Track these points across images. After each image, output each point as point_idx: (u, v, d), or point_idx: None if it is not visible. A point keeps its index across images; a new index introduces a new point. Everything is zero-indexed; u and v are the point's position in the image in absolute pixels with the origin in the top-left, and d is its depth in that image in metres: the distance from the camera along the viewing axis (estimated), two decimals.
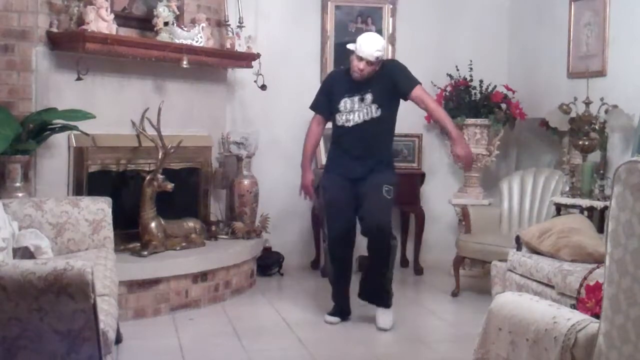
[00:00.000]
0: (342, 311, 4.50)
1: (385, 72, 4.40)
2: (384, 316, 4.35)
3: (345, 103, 4.41)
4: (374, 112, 4.38)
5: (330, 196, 4.46)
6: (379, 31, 6.11)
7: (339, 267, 4.50)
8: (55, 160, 4.46)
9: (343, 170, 4.43)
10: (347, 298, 4.51)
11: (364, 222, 4.30)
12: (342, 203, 4.38)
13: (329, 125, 4.64)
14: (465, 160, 4.52)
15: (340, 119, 4.43)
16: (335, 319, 4.45)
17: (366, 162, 4.40)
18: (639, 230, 1.84)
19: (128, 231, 4.73)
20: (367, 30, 6.14)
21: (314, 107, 4.64)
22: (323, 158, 5.93)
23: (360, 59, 4.29)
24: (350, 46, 4.42)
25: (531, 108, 5.79)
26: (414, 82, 4.39)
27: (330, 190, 4.49)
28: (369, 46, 4.29)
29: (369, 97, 4.37)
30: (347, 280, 4.52)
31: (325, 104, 4.54)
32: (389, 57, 6.14)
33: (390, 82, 4.38)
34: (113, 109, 4.71)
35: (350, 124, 4.41)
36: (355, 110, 4.39)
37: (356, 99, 4.39)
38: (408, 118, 5.09)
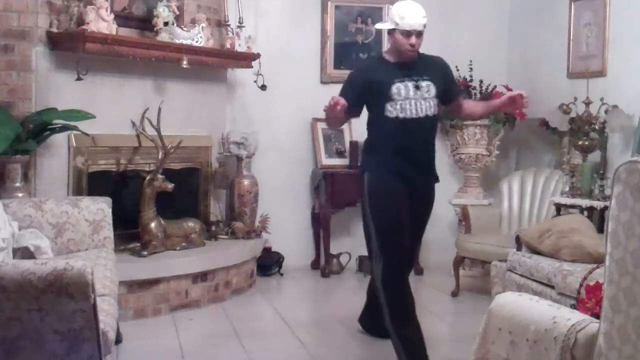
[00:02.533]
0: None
1: (440, 64, 3.84)
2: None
3: (398, 89, 3.61)
4: (434, 109, 3.67)
5: (386, 205, 3.60)
6: (379, 31, 6.12)
7: (402, 294, 3.63)
8: (55, 160, 4.46)
9: (398, 170, 3.62)
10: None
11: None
12: (402, 216, 3.59)
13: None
14: (519, 101, 3.82)
15: (394, 109, 3.60)
16: None
17: (423, 171, 3.74)
18: (639, 230, 1.84)
19: (128, 231, 4.73)
20: (366, 31, 6.16)
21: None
22: (323, 158, 5.94)
23: (408, 33, 3.59)
24: (384, 25, 3.82)
25: (531, 108, 5.75)
26: (461, 88, 3.98)
27: (383, 197, 3.62)
28: (414, 14, 3.62)
29: (426, 84, 3.65)
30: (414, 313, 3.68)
31: (357, 95, 3.67)
32: None
33: (447, 79, 3.84)
34: (113, 109, 4.71)
35: (408, 114, 3.61)
36: (411, 98, 3.61)
37: (410, 84, 3.63)
38: None
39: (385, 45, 6.11)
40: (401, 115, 3.62)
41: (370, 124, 3.80)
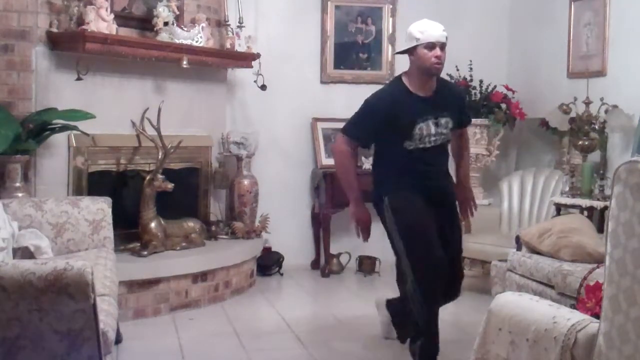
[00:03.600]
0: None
1: (456, 93, 3.90)
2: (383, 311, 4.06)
3: (421, 129, 3.57)
4: (448, 136, 3.72)
5: (412, 218, 3.53)
6: (379, 31, 6.14)
7: (433, 305, 3.57)
8: (55, 160, 4.46)
9: (419, 188, 3.59)
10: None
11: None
12: (429, 227, 3.54)
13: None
14: (467, 210, 3.93)
15: (411, 145, 3.59)
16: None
17: (449, 182, 3.81)
18: (639, 230, 1.84)
19: (128, 231, 4.73)
20: (367, 31, 6.16)
21: (353, 134, 3.64)
22: (323, 158, 5.94)
23: (433, 45, 3.52)
24: (404, 46, 3.68)
25: (531, 108, 5.78)
26: (470, 120, 4.03)
27: (408, 211, 3.55)
28: (435, 27, 3.58)
29: (445, 121, 3.64)
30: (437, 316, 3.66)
31: (372, 130, 3.62)
32: (388, 56, 6.17)
33: (461, 108, 3.84)
34: (113, 109, 4.71)
35: (425, 145, 3.61)
36: (431, 135, 3.60)
37: (431, 122, 3.60)
38: None
39: (388, 53, 6.14)
40: (420, 145, 3.61)
41: (381, 156, 3.75)
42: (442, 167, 3.76)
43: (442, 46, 3.56)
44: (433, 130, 3.60)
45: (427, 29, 3.57)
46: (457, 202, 3.86)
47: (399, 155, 3.62)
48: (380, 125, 3.58)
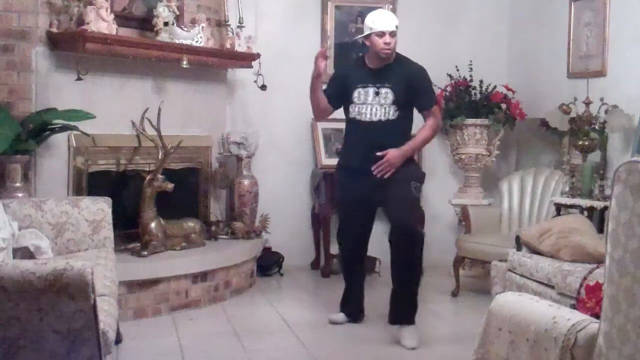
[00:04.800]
0: (354, 312, 4.43)
1: (408, 72, 4.17)
2: (410, 333, 4.03)
3: (359, 94, 4.16)
4: (391, 114, 4.12)
5: (344, 195, 4.34)
6: None
7: (350, 267, 4.49)
8: (55, 160, 4.46)
9: (360, 164, 4.15)
10: (360, 298, 4.46)
11: (392, 227, 4.08)
12: (356, 203, 4.21)
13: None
14: (383, 162, 4.10)
15: (353, 111, 4.19)
16: (341, 317, 4.41)
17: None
18: (639, 230, 1.84)
19: (128, 231, 4.73)
20: None
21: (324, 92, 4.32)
22: (323, 158, 5.94)
23: (383, 34, 4.06)
24: (360, 37, 4.23)
25: (531, 108, 5.78)
26: (433, 102, 4.24)
27: (344, 188, 4.35)
28: (384, 18, 4.13)
29: (384, 91, 4.11)
30: (362, 277, 4.49)
31: (333, 91, 4.30)
32: None
33: (412, 86, 4.15)
34: (113, 109, 4.71)
35: (363, 117, 4.15)
36: (368, 104, 4.14)
37: (370, 90, 4.14)
38: None
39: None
40: (357, 117, 4.17)
41: (345, 127, 4.38)
42: (383, 147, 4.09)
43: (392, 33, 4.09)
44: (370, 98, 4.13)
45: (378, 19, 4.12)
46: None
47: (349, 124, 4.28)
48: (337, 88, 4.28)
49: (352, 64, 4.42)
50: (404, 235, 4.01)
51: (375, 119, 4.14)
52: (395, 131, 4.16)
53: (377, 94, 4.14)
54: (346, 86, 4.23)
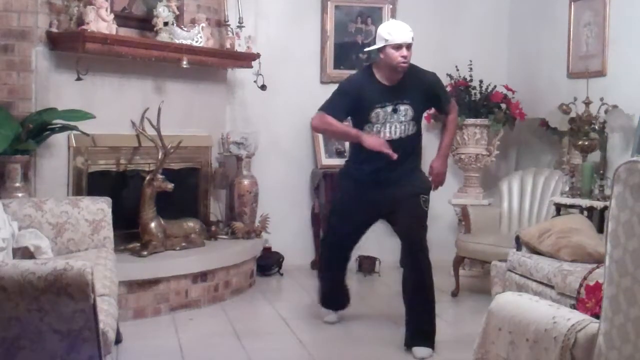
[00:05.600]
0: (337, 303, 4.44)
1: (425, 82, 4.05)
2: (422, 349, 3.86)
3: (377, 115, 3.96)
4: (411, 129, 4.01)
5: (346, 203, 4.19)
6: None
7: (335, 268, 4.43)
8: (55, 160, 4.46)
9: (373, 179, 4.02)
10: (341, 287, 4.45)
11: (405, 249, 4.01)
12: (359, 213, 4.11)
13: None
14: (436, 177, 4.16)
15: (370, 130, 3.99)
16: (333, 316, 4.42)
17: (399, 166, 3.98)
18: (639, 230, 1.84)
19: (128, 231, 4.73)
20: (366, 31, 6.16)
21: (329, 109, 4.03)
22: (323, 158, 5.95)
23: (399, 46, 3.86)
24: (373, 46, 4.02)
25: (531, 108, 5.78)
26: (450, 99, 4.27)
27: (349, 197, 4.19)
28: (401, 29, 3.91)
29: (404, 108, 3.97)
30: (342, 272, 4.41)
31: (343, 108, 4.02)
32: None
33: (432, 95, 4.07)
34: (113, 109, 4.71)
35: (382, 136, 3.97)
36: (387, 122, 3.97)
37: (389, 109, 3.96)
38: None
39: None
40: (382, 135, 3.97)
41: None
42: (403, 166, 3.99)
43: (409, 46, 3.89)
44: (389, 117, 3.95)
45: (394, 31, 3.90)
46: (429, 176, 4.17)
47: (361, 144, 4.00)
48: (348, 105, 4.01)
49: (362, 78, 4.12)
50: (419, 258, 3.96)
51: (395, 137, 3.99)
52: (412, 144, 4.09)
53: (395, 111, 3.97)
54: (361, 106, 4.00)
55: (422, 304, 3.92)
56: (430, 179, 4.17)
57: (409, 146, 4.05)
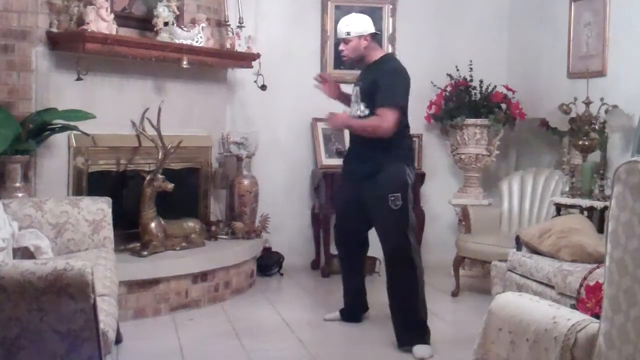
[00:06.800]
0: (351, 310, 4.45)
1: (377, 74, 4.03)
2: (421, 350, 3.91)
3: (353, 91, 4.24)
4: (362, 110, 4.07)
5: (337, 199, 4.60)
6: (379, 31, 6.10)
7: (342, 263, 4.59)
8: (55, 160, 4.46)
9: (347, 167, 4.30)
10: (357, 294, 4.49)
11: (383, 254, 4.13)
12: (344, 206, 4.38)
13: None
14: (330, 115, 4.23)
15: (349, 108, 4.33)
16: (334, 315, 4.44)
17: (364, 162, 4.06)
18: (639, 230, 1.84)
19: (128, 231, 4.73)
20: None
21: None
22: (323, 158, 5.95)
23: (339, 41, 4.19)
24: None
25: (531, 108, 5.79)
26: (387, 103, 3.90)
27: (340, 189, 4.60)
28: (340, 25, 4.18)
29: (357, 89, 4.17)
30: (356, 274, 4.49)
31: None
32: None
33: (375, 86, 3.99)
34: (113, 109, 4.71)
35: (350, 114, 4.25)
36: (353, 102, 4.22)
37: (355, 89, 4.20)
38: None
39: (387, 48, 6.13)
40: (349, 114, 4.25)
41: None
42: (363, 148, 4.08)
43: (344, 40, 4.12)
44: (353, 97, 4.17)
45: (338, 26, 4.21)
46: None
47: None
48: None
49: None
50: (393, 265, 4.04)
51: (354, 115, 4.16)
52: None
53: (355, 91, 4.19)
54: None
55: (400, 307, 4.03)
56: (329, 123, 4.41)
57: None
